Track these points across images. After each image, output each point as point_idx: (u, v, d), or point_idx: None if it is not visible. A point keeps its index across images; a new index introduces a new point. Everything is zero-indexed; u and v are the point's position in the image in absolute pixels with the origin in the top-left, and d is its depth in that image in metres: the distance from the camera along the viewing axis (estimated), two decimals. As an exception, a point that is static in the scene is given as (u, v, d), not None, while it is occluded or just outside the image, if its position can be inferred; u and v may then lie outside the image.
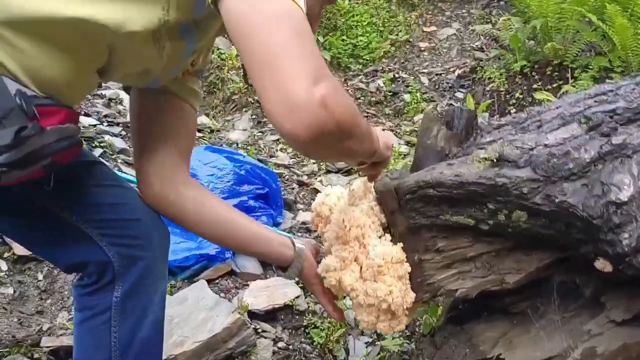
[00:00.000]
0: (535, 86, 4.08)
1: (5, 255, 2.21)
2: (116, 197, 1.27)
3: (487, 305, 1.60)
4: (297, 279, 1.41)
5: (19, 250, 2.21)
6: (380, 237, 1.40)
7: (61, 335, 1.91)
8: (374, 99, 4.93)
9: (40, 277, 2.19)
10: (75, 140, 1.01)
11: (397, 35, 5.80)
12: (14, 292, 2.10)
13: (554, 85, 3.98)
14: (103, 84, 3.14)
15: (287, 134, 0.81)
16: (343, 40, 5.58)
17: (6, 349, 1.77)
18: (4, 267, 2.17)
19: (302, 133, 0.80)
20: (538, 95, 3.58)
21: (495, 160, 1.29)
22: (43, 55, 0.95)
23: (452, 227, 1.37)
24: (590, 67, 3.85)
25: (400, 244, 1.38)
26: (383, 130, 1.37)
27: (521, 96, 4.17)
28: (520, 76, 4.28)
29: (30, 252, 2.19)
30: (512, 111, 4.12)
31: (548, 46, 4.03)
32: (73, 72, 1.00)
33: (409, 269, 1.36)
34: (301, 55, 0.80)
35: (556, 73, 4.07)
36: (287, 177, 3.50)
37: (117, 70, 1.10)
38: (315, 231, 2.87)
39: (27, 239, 1.29)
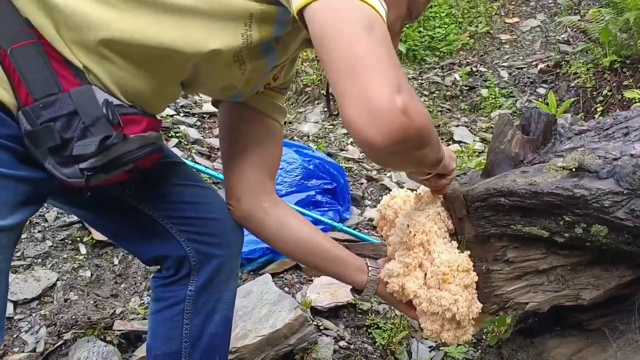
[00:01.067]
0: (625, 83, 3.81)
1: (85, 239, 2.32)
2: (196, 196, 1.31)
3: (560, 320, 1.52)
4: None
5: (98, 235, 2.32)
6: (446, 244, 1.35)
7: (132, 319, 1.99)
8: (449, 93, 4.80)
9: (115, 261, 2.29)
10: (156, 147, 1.04)
11: (476, 26, 5.61)
12: (91, 275, 2.20)
13: (647, 83, 3.71)
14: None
15: (368, 140, 0.81)
16: (420, 32, 5.46)
17: (82, 330, 1.87)
18: (83, 250, 2.29)
19: (384, 139, 0.80)
20: (628, 94, 3.34)
21: (574, 170, 1.20)
22: (130, 68, 0.99)
23: (524, 237, 1.29)
24: (689, 63, 3.55)
25: (468, 252, 1.33)
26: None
27: (609, 94, 3.91)
28: (609, 72, 4.01)
29: (107, 238, 2.31)
30: (598, 109, 3.87)
31: (642, 40, 3.76)
32: (157, 84, 1.04)
33: (476, 278, 1.30)
34: (384, 64, 0.81)
35: (650, 69, 3.79)
36: (356, 171, 3.47)
37: (200, 84, 1.13)
38: (382, 228, 2.83)
39: (113, 232, 1.36)
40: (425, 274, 1.35)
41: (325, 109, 4.38)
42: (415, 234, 1.34)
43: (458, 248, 1.35)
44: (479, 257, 1.34)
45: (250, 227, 1.35)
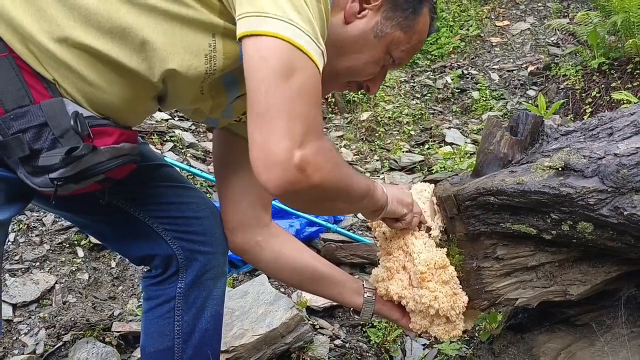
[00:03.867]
0: (614, 84, 3.88)
1: (82, 242, 2.34)
2: (181, 197, 1.34)
3: (549, 316, 1.56)
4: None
5: (95, 238, 2.34)
6: (425, 243, 1.38)
7: (130, 321, 2.01)
8: (441, 95, 4.85)
9: (113, 264, 2.32)
10: (129, 159, 1.07)
11: (467, 30, 5.67)
12: (89, 278, 2.23)
13: (635, 84, 3.77)
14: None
15: (264, 185, 0.88)
16: (411, 35, 5.50)
17: (81, 332, 1.89)
18: (81, 253, 2.31)
19: (273, 187, 0.87)
20: (616, 96, 3.40)
21: (560, 169, 1.25)
22: (97, 81, 1.01)
23: (513, 235, 1.34)
24: (675, 65, 3.62)
25: (445, 250, 1.36)
26: (410, 183, 1.41)
27: (598, 95, 3.97)
28: (597, 74, 4.08)
29: (104, 241, 2.33)
30: (587, 110, 3.94)
31: (629, 43, 3.82)
32: (127, 99, 1.05)
33: (454, 273, 1.33)
34: (292, 118, 0.86)
35: (637, 71, 3.85)
36: (350, 174, 3.51)
37: (173, 101, 1.14)
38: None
39: (101, 234, 1.38)
40: (410, 275, 1.39)
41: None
42: (391, 240, 1.38)
43: (437, 246, 1.38)
44: (469, 255, 1.38)
45: (246, 259, 1.43)
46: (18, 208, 1.08)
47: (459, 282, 1.35)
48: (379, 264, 1.47)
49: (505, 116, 4.35)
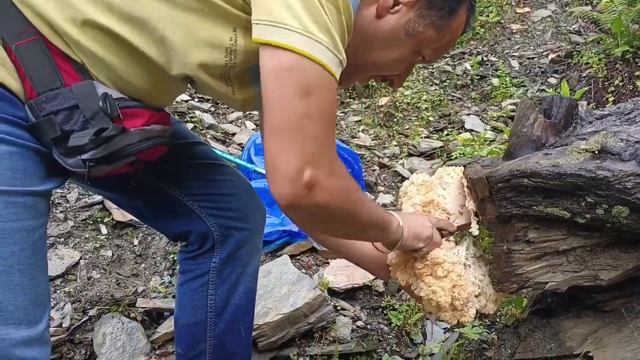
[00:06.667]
0: (637, 73, 3.82)
1: (106, 220, 2.37)
2: (216, 174, 1.35)
3: (576, 301, 1.55)
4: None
5: (118, 216, 2.36)
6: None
7: (154, 297, 2.03)
8: (459, 82, 4.81)
9: (135, 242, 2.34)
10: (160, 140, 1.08)
11: (487, 16, 5.60)
12: (112, 254, 2.25)
13: (659, 73, 3.72)
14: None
15: (272, 194, 0.91)
16: (431, 21, 5.45)
17: (106, 307, 1.92)
18: (104, 231, 2.33)
19: (279, 199, 0.91)
20: (641, 84, 3.35)
21: (596, 152, 1.23)
22: (124, 65, 1.01)
23: (545, 218, 1.33)
24: (702, 54, 3.56)
25: (443, 244, 1.36)
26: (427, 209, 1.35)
27: (621, 84, 3.92)
28: (621, 62, 4.02)
29: (127, 219, 2.35)
30: (610, 99, 3.89)
31: (655, 31, 3.76)
32: (154, 80, 1.05)
33: (451, 269, 1.31)
34: (306, 138, 0.88)
35: (662, 60, 3.79)
36: (368, 158, 3.50)
37: (202, 89, 1.14)
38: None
39: (136, 211, 1.40)
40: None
41: (337, 97, 4.40)
42: None
43: (477, 229, 1.38)
44: (500, 238, 1.37)
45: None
46: (58, 182, 1.09)
47: (460, 273, 1.33)
48: None
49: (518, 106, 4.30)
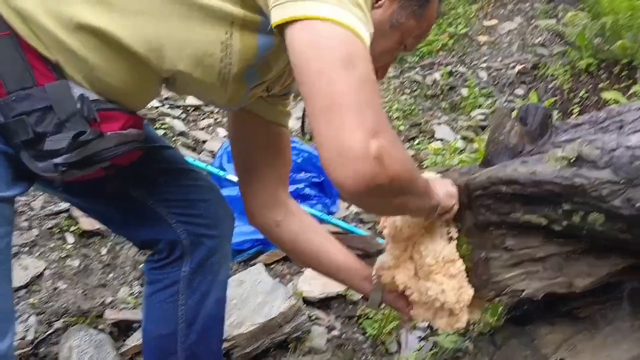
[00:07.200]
0: (601, 85, 3.93)
1: (72, 228, 2.29)
2: (187, 179, 1.32)
3: (551, 308, 1.57)
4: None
5: (85, 224, 2.30)
6: (434, 235, 1.37)
7: (123, 308, 1.97)
8: (430, 92, 4.86)
9: (103, 251, 2.27)
10: (135, 145, 1.04)
11: (455, 27, 5.69)
12: (79, 264, 2.18)
13: (622, 85, 3.82)
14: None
15: (338, 184, 0.81)
16: (401, 31, 5.50)
17: (73, 319, 1.85)
18: (70, 240, 2.26)
19: (351, 184, 0.79)
20: (606, 95, 3.45)
21: (573, 160, 1.25)
22: (104, 63, 0.97)
23: (522, 225, 1.34)
24: (663, 67, 3.69)
25: (454, 243, 1.36)
26: (438, 175, 1.35)
27: (586, 95, 4.02)
28: (585, 74, 4.13)
29: (95, 227, 2.29)
30: (575, 110, 3.98)
31: (617, 44, 3.87)
32: (136, 81, 1.02)
33: (463, 267, 1.33)
34: (361, 107, 0.79)
35: (625, 72, 3.91)
36: (341, 166, 3.50)
37: (182, 89, 1.11)
38: (368, 222, 2.87)
39: (104, 218, 1.35)
40: (416, 265, 1.38)
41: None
42: (401, 228, 1.37)
43: (449, 238, 1.37)
44: (478, 245, 1.37)
45: (269, 240, 1.42)
46: (24, 187, 1.04)
47: (465, 275, 1.34)
48: (385, 250, 1.45)
49: (494, 114, 4.38)
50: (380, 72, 1.24)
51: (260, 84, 1.14)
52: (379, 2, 1.08)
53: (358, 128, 0.78)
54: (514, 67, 5.02)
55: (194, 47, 0.96)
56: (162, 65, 0.98)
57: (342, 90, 0.79)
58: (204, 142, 3.30)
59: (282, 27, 0.84)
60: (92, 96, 0.98)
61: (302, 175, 2.73)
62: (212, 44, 0.97)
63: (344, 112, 0.78)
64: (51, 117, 0.94)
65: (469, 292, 1.33)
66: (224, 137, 3.42)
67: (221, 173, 2.67)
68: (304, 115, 1.38)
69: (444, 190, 1.23)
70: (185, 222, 1.30)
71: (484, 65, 5.20)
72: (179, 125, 3.29)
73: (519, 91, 4.68)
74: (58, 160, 0.94)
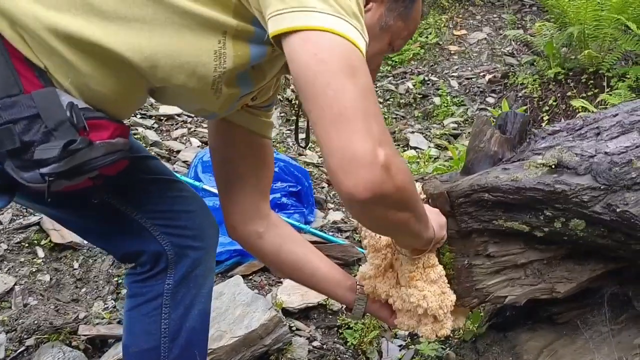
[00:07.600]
0: (569, 94, 4.02)
1: (43, 242, 2.22)
2: (169, 190, 1.28)
3: (532, 314, 1.58)
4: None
5: (56, 237, 2.22)
6: None
7: (97, 324, 1.91)
8: (403, 100, 4.90)
9: (75, 265, 2.20)
10: (123, 155, 1.01)
11: (426, 37, 5.76)
12: (51, 279, 2.11)
13: (589, 94, 3.92)
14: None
15: (346, 191, 0.82)
16: (373, 41, 5.55)
17: (45, 336, 1.79)
18: (41, 254, 2.19)
19: (361, 191, 0.82)
20: (575, 103, 3.53)
21: (553, 167, 1.26)
22: (93, 71, 0.95)
23: (504, 232, 1.35)
24: (628, 76, 3.79)
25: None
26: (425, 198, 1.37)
27: (555, 103, 4.11)
28: (554, 83, 4.22)
29: (67, 241, 2.22)
30: (544, 118, 4.06)
31: (584, 54, 3.97)
32: (124, 89, 1.00)
33: (443, 272, 1.33)
34: (367, 116, 0.82)
35: (591, 81, 4.00)
36: (316, 175, 3.48)
37: (169, 98, 1.10)
38: (346, 231, 2.86)
39: (84, 230, 1.31)
40: (397, 274, 1.38)
41: (282, 114, 4.37)
42: (380, 237, 1.37)
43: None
44: (460, 253, 1.38)
45: (251, 252, 1.43)
46: (6, 200, 1.00)
47: (447, 280, 1.34)
48: (366, 260, 1.45)
49: (466, 122, 4.44)
50: (372, 75, 1.24)
51: (251, 92, 1.13)
52: (367, 6, 1.09)
53: (366, 138, 0.80)
54: (484, 76, 5.11)
55: (187, 56, 0.95)
56: (155, 73, 0.96)
57: (349, 101, 0.81)
58: (178, 152, 3.24)
59: (280, 37, 0.84)
60: (81, 104, 0.95)
61: (279, 185, 2.71)
62: (205, 53, 0.95)
63: (352, 122, 0.80)
64: (38, 125, 0.90)
65: (451, 297, 1.33)
66: (198, 147, 3.37)
67: (197, 183, 2.63)
68: (296, 124, 1.37)
69: (436, 221, 1.24)
70: (170, 234, 1.26)
71: (455, 74, 5.28)
72: (152, 135, 3.24)
73: (490, 100, 4.76)
74: (45, 170, 0.90)
